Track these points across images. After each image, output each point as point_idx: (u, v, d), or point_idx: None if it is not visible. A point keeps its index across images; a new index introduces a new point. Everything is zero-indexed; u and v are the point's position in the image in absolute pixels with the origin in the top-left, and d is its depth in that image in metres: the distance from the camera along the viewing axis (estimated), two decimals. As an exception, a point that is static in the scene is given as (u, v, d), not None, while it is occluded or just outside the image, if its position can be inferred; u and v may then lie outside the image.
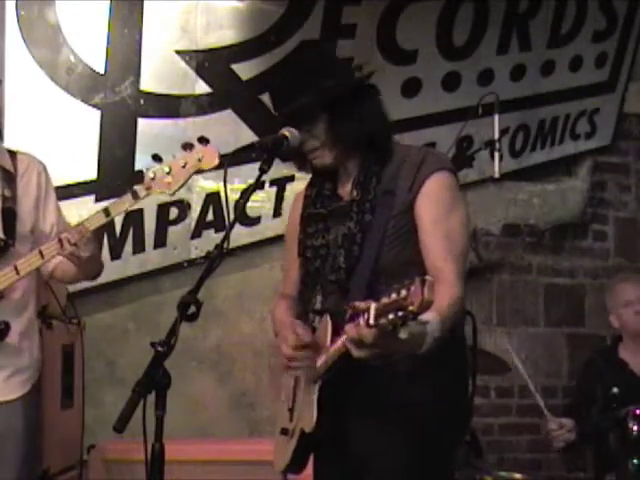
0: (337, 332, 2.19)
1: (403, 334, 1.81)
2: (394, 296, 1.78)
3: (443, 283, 2.13)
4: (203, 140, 2.42)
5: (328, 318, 2.28)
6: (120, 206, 2.60)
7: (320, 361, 2.27)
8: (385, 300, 1.80)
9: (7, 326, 2.73)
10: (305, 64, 2.47)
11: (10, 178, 2.83)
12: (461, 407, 2.43)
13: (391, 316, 1.78)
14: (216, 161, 2.42)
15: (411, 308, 1.74)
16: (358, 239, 2.30)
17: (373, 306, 1.83)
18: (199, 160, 2.44)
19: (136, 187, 2.56)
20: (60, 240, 2.62)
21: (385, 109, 2.43)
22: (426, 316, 1.93)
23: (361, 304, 1.88)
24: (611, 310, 4.31)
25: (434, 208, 2.28)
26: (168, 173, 2.50)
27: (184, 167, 2.47)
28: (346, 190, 2.41)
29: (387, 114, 2.43)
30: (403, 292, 1.76)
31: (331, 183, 2.45)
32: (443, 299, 2.07)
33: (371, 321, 1.83)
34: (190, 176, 2.50)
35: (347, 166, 2.41)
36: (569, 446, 3.96)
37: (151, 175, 2.52)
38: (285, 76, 2.44)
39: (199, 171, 2.50)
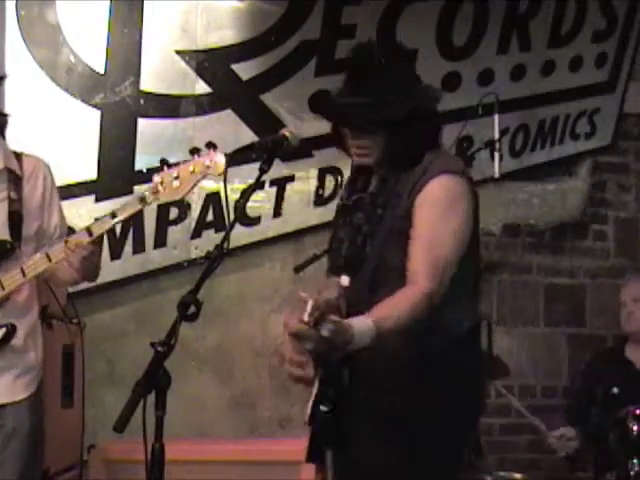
0: None
1: (324, 332, 1.91)
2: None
3: (411, 286, 2.21)
4: (211, 145, 2.40)
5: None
6: (127, 210, 2.59)
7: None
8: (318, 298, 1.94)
9: (13, 328, 2.75)
10: (394, 72, 2.49)
11: (17, 180, 2.84)
12: (465, 409, 2.40)
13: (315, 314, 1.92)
14: (223, 168, 2.39)
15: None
16: (364, 229, 2.33)
17: (310, 302, 1.94)
18: (207, 167, 2.42)
19: (144, 192, 2.55)
20: (67, 243, 2.62)
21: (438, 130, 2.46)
22: (358, 323, 2.05)
23: (303, 296, 1.99)
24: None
25: (426, 214, 2.29)
26: (176, 178, 2.47)
27: (192, 172, 2.45)
28: (373, 183, 2.44)
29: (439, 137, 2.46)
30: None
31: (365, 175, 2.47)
32: (389, 308, 2.13)
33: (305, 317, 1.93)
34: (198, 182, 2.48)
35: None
36: (574, 453, 4.00)
37: (159, 180, 2.50)
38: (370, 71, 2.43)
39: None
